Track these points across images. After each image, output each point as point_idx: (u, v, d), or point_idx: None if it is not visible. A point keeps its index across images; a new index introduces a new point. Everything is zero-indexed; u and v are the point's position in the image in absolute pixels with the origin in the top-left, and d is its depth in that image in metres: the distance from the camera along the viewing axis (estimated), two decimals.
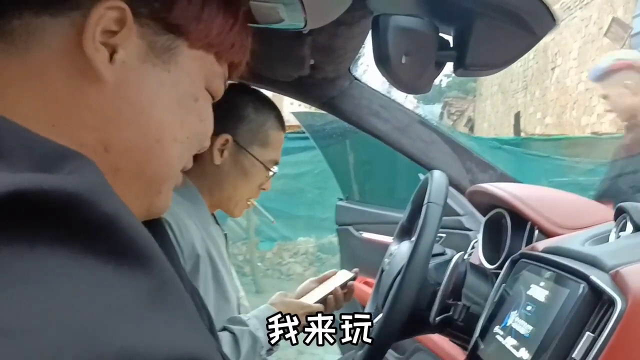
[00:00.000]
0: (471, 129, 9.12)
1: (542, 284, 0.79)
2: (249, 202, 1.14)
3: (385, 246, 2.13)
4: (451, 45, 0.78)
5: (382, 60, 0.71)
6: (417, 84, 0.79)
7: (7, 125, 0.33)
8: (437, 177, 1.05)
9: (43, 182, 0.28)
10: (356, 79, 1.32)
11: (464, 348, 1.19)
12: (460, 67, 0.78)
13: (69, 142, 0.35)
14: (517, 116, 8.05)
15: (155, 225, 0.50)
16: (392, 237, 2.11)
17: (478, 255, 1.26)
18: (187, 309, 0.34)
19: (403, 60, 0.72)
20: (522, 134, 7.77)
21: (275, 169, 1.15)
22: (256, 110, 1.12)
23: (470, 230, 1.64)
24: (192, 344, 0.31)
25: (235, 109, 1.11)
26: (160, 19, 0.43)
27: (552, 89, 8.08)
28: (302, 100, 1.38)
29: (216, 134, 1.02)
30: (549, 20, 0.76)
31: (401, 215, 2.18)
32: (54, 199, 0.28)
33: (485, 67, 0.80)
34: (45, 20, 0.38)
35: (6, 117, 0.32)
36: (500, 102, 9.49)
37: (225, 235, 1.19)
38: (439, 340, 1.54)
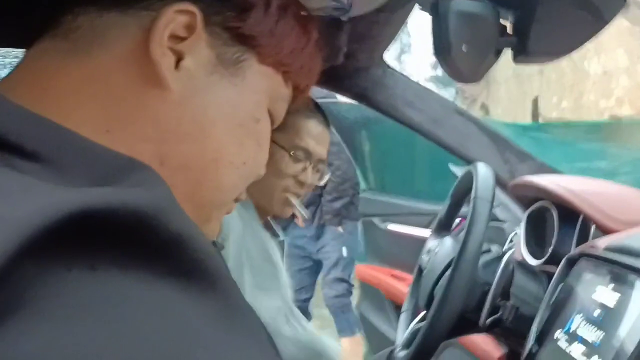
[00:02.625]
0: (485, 114, 9.02)
1: (611, 287, 0.73)
2: (287, 195, 1.07)
3: (412, 238, 2.10)
4: (511, 31, 0.73)
5: (442, 49, 0.66)
6: (474, 74, 0.74)
7: (65, 134, 0.31)
8: (483, 171, 1.00)
9: (110, 200, 0.25)
10: (389, 67, 1.27)
11: (512, 350, 1.15)
12: (521, 54, 0.73)
13: (124, 151, 0.33)
14: (535, 101, 7.94)
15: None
16: (418, 228, 2.07)
17: (520, 250, 1.21)
18: (254, 329, 0.33)
19: (464, 49, 0.67)
20: (540, 119, 7.65)
21: (300, 154, 1.09)
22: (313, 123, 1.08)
23: (505, 222, 1.59)
24: None
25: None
26: (232, 29, 0.39)
27: (568, 72, 7.96)
28: (335, 90, 1.33)
29: None
30: (619, 1, 0.71)
31: (426, 206, 2.15)
32: (122, 218, 0.26)
33: (548, 54, 0.75)
34: (112, 19, 0.35)
35: (63, 126, 0.31)
36: (514, 86, 9.38)
37: (282, 242, 1.15)
38: (472, 336, 1.50)
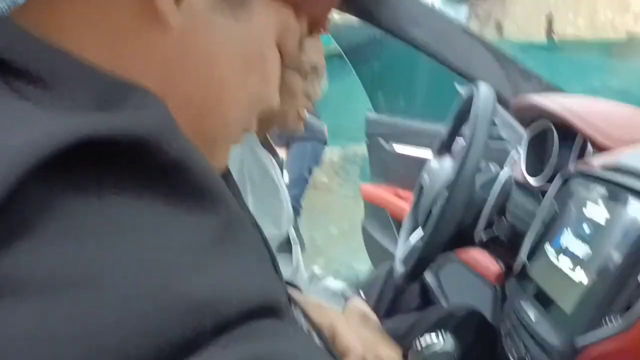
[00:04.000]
0: (499, 31, 8.76)
1: (600, 203, 0.75)
2: (299, 111, 1.10)
3: (417, 159, 2.11)
4: None
5: None
6: None
7: (65, 58, 0.31)
8: (484, 92, 1.00)
9: (112, 125, 0.26)
10: None
11: (506, 264, 1.19)
12: None
13: None
14: (550, 18, 7.68)
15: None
16: (423, 149, 2.08)
17: (520, 169, 1.23)
18: (254, 248, 0.34)
19: None
20: (554, 36, 7.45)
21: (307, 69, 1.10)
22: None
23: (506, 140, 1.60)
24: (263, 289, 0.30)
25: None
26: None
27: None
28: (339, 8, 1.31)
29: None
30: None
31: (432, 127, 2.14)
32: (124, 143, 0.27)
33: None
34: None
35: (64, 50, 0.31)
36: (530, 2, 9.05)
37: (281, 164, 1.18)
38: (472, 251, 1.54)
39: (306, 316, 0.50)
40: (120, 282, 0.24)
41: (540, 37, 7.53)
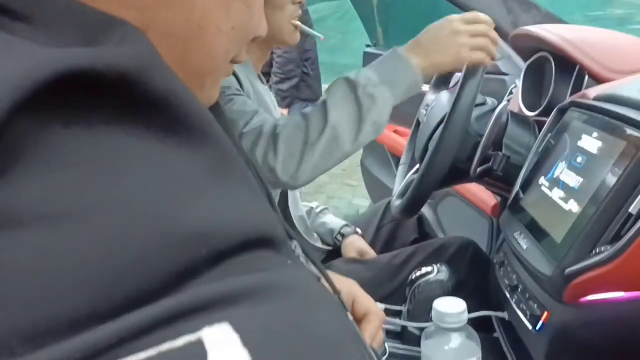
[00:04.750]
0: None
1: (594, 134, 0.76)
2: (293, 22, 1.08)
3: (414, 95, 2.10)
4: None
5: None
6: None
7: None
8: None
9: (95, 59, 0.26)
10: None
11: (502, 197, 1.20)
12: None
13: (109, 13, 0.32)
14: None
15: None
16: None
17: (518, 102, 1.22)
18: (247, 181, 0.34)
19: None
20: None
21: None
22: None
23: (507, 74, 1.58)
24: (258, 220, 0.30)
25: None
26: None
27: None
28: None
29: None
30: None
31: None
32: (108, 77, 0.26)
33: None
34: None
35: None
36: None
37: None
38: (469, 185, 1.56)
39: (326, 278, 0.51)
40: (115, 211, 0.24)
41: None
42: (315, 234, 1.34)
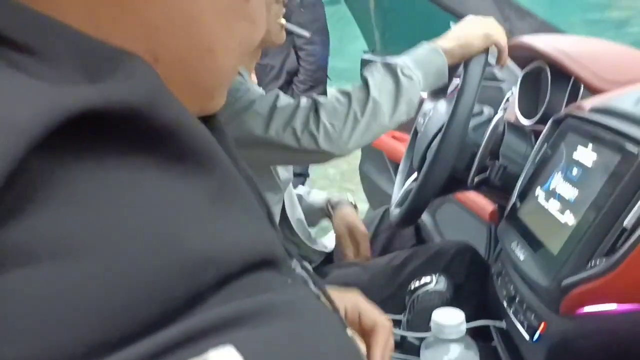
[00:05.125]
0: None
1: (590, 146, 0.77)
2: (279, 23, 1.10)
3: None
4: None
5: None
6: None
7: (53, 25, 0.31)
8: None
9: (107, 98, 0.27)
10: None
11: (499, 205, 1.21)
12: None
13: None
14: None
15: (212, 120, 0.49)
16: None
17: (514, 110, 1.23)
18: (248, 203, 0.35)
19: None
20: None
21: None
22: None
23: (503, 81, 1.59)
24: (259, 243, 0.32)
25: None
26: None
27: None
28: None
29: None
30: None
31: None
32: (119, 113, 0.27)
33: None
34: None
35: (51, 17, 0.30)
36: None
37: None
38: (468, 193, 1.57)
39: (329, 299, 0.52)
40: (124, 243, 0.25)
41: None
42: (313, 236, 1.35)
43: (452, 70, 1.19)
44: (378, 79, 0.96)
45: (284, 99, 0.96)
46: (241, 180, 0.35)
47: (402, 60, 0.98)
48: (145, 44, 0.34)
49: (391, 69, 0.96)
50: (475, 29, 0.99)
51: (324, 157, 0.97)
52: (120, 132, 0.28)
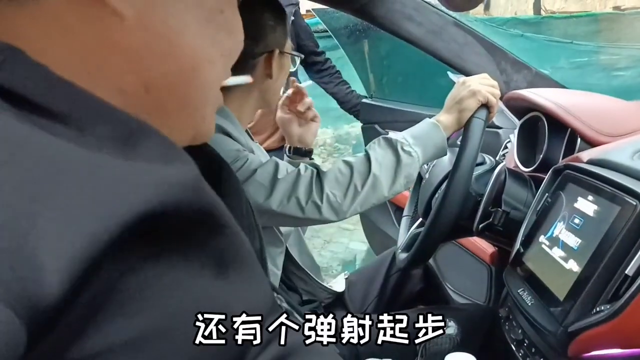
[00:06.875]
0: (487, 7, 8.76)
1: (590, 197, 0.82)
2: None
3: None
4: None
5: None
6: (469, 2, 0.78)
7: (81, 94, 0.32)
8: None
9: (178, 194, 0.31)
10: None
11: (499, 248, 1.25)
12: None
13: (110, 88, 0.34)
14: None
15: (222, 163, 0.51)
16: None
17: (513, 157, 1.28)
18: (254, 268, 0.40)
19: None
20: (542, 12, 7.46)
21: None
22: (273, 15, 1.10)
23: (501, 128, 1.65)
24: (261, 305, 0.38)
25: (259, 23, 1.08)
26: None
27: None
28: (333, 6, 1.34)
29: (260, 54, 1.04)
30: None
31: (427, 113, 2.19)
32: (186, 211, 0.32)
33: None
34: None
35: (75, 84, 0.31)
36: None
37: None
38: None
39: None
40: (166, 337, 0.31)
41: (528, 11, 7.53)
42: (321, 272, 1.38)
43: None
44: (380, 154, 1.01)
45: (283, 169, 1.01)
46: (247, 245, 0.40)
47: (403, 136, 1.03)
48: (134, 76, 0.35)
49: (392, 145, 1.02)
50: (469, 92, 1.03)
51: (322, 222, 1.02)
52: (173, 221, 0.31)
